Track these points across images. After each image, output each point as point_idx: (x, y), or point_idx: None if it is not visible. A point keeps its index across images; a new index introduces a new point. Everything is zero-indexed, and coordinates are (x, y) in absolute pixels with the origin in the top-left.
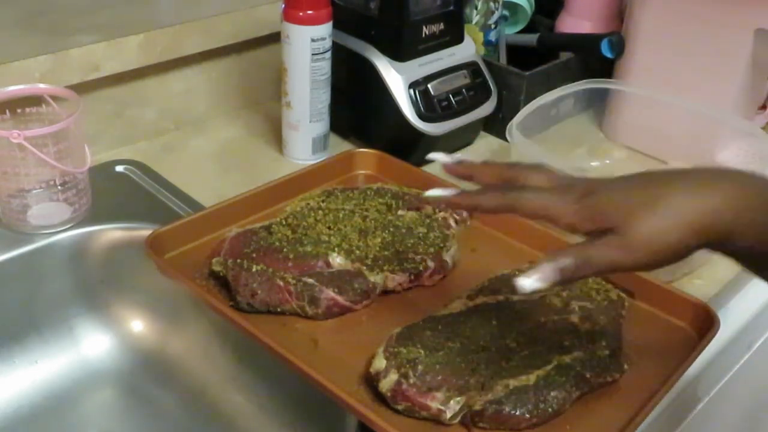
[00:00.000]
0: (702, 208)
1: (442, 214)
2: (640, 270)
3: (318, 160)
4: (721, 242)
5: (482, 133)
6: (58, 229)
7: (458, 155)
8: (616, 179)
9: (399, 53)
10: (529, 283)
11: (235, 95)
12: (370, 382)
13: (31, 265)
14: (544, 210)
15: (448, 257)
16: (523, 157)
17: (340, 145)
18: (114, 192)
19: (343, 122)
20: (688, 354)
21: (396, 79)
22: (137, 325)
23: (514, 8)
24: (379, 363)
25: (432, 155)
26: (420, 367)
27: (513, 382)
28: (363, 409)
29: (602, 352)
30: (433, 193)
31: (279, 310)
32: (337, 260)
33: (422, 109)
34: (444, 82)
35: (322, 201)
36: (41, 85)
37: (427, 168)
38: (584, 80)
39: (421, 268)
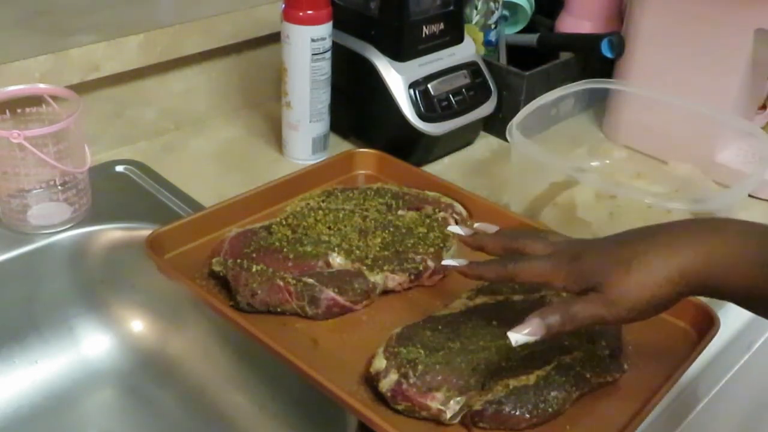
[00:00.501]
0: (676, 263)
1: (442, 214)
2: (622, 323)
3: (318, 160)
4: (707, 291)
5: (482, 133)
6: (58, 229)
7: (476, 225)
8: (599, 241)
9: (399, 53)
10: (519, 338)
11: (235, 95)
12: (370, 382)
13: (31, 265)
14: (539, 277)
15: (448, 257)
16: (523, 157)
17: (340, 145)
18: (114, 192)
19: (343, 122)
20: (688, 354)
21: (396, 79)
22: (137, 325)
23: (514, 8)
24: (379, 363)
25: (451, 228)
26: (420, 367)
27: (513, 382)
28: (363, 409)
29: (602, 352)
30: (448, 262)
31: (279, 310)
32: (337, 260)
33: (422, 109)
34: (444, 82)
35: (322, 201)
36: (41, 85)
37: (427, 168)
38: (584, 80)
39: (421, 268)
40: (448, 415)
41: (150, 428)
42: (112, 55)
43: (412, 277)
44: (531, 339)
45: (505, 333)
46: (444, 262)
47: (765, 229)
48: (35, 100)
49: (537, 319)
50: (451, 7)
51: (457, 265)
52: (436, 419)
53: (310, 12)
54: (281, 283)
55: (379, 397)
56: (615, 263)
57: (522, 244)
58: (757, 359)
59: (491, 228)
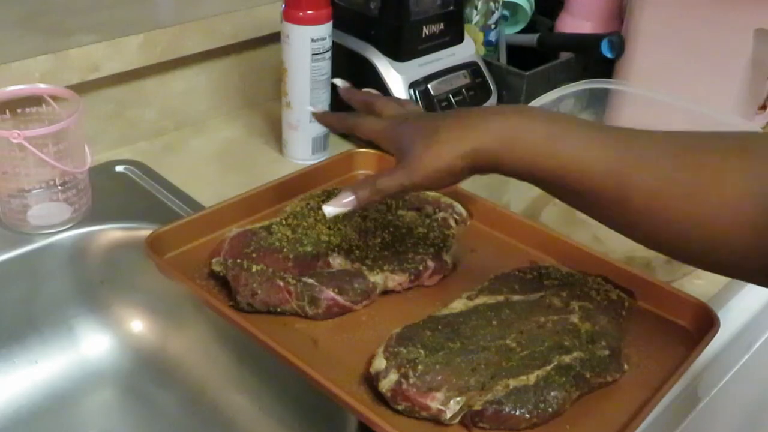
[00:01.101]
0: (471, 139)
1: (442, 214)
2: (421, 189)
3: (318, 160)
4: (491, 167)
5: None
6: (58, 229)
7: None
8: (425, 114)
9: (399, 53)
10: (332, 209)
11: (235, 95)
12: (370, 382)
13: (31, 265)
14: (370, 134)
15: (448, 257)
16: None
17: (340, 145)
18: (114, 192)
19: None
20: (688, 354)
21: (396, 79)
22: (137, 325)
23: (514, 8)
24: (379, 363)
25: (335, 80)
26: (420, 367)
27: (513, 382)
28: (363, 409)
29: (602, 352)
30: (309, 108)
31: (279, 310)
32: (337, 260)
33: (422, 109)
34: (444, 82)
35: (322, 201)
36: (41, 85)
37: None
38: (584, 80)
39: (421, 268)
40: (448, 415)
41: (150, 428)
42: (112, 55)
43: (412, 277)
44: (344, 210)
45: (505, 333)
46: (309, 108)
47: (557, 114)
48: (35, 100)
49: (348, 191)
50: (451, 7)
51: (314, 110)
52: (436, 419)
53: (310, 12)
54: (281, 283)
55: (379, 397)
56: (421, 135)
57: (379, 104)
58: (757, 359)
59: (374, 92)
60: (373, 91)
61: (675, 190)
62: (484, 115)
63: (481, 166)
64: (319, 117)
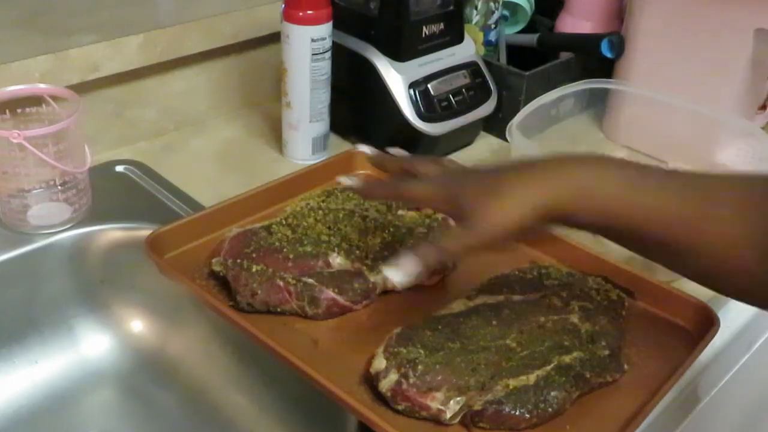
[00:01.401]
0: (540, 192)
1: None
2: (489, 249)
3: (318, 160)
4: (561, 220)
5: (482, 133)
6: (58, 229)
7: (389, 149)
8: (480, 171)
9: (399, 53)
10: (399, 276)
11: (235, 95)
12: (370, 382)
13: (31, 265)
14: (423, 198)
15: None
16: (523, 157)
17: (340, 145)
18: (114, 192)
19: (343, 122)
20: (688, 354)
21: (396, 79)
22: (137, 325)
23: (514, 8)
24: (379, 363)
25: (360, 147)
26: (420, 367)
27: (513, 382)
28: (363, 409)
29: (602, 352)
30: (343, 180)
31: (279, 310)
32: (337, 260)
33: (422, 109)
34: (444, 82)
35: (322, 201)
36: (41, 85)
37: None
38: (584, 80)
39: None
40: (448, 415)
41: (150, 428)
42: (112, 55)
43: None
44: (410, 276)
45: (505, 333)
46: (340, 178)
47: (624, 161)
48: (35, 100)
49: (411, 256)
50: (451, 7)
51: (351, 182)
52: (436, 419)
53: (310, 12)
54: (281, 283)
55: (379, 397)
56: (485, 192)
57: (417, 166)
58: (757, 359)
59: (402, 152)
60: (402, 152)
61: (755, 241)
62: (551, 166)
63: (551, 219)
64: (358, 188)
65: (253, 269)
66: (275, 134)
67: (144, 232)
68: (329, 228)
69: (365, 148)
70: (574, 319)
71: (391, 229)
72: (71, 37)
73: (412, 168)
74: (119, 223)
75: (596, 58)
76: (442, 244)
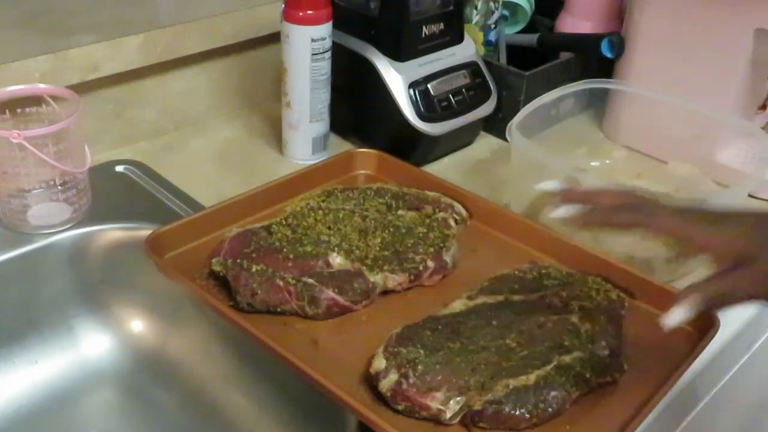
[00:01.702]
0: None
1: (441, 214)
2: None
3: (318, 160)
4: None
5: (482, 133)
6: (58, 229)
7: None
8: (734, 211)
9: (399, 53)
10: (674, 320)
11: (235, 95)
12: (370, 382)
13: (31, 265)
14: (679, 231)
15: (448, 257)
16: (523, 157)
17: (340, 145)
18: (114, 192)
19: (343, 122)
20: (688, 354)
21: (396, 79)
22: (137, 325)
23: (514, 8)
24: (379, 363)
25: (541, 185)
26: (420, 367)
27: (513, 382)
28: (363, 409)
29: (602, 352)
30: (557, 213)
31: (279, 310)
32: (337, 260)
33: (422, 109)
34: (444, 82)
35: (322, 201)
36: (41, 85)
37: (427, 168)
38: (584, 80)
39: (421, 268)
40: (448, 415)
41: (150, 428)
42: (112, 55)
43: (412, 277)
44: (688, 318)
45: (505, 333)
46: (542, 185)
47: None
48: (35, 100)
49: (690, 299)
50: (451, 7)
51: (574, 211)
52: (436, 419)
53: (310, 12)
54: (281, 283)
55: (379, 397)
56: None
57: (641, 197)
58: (757, 359)
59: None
60: (594, 187)
61: None
62: None
63: None
64: (589, 217)
65: (253, 269)
66: (275, 134)
67: (144, 232)
68: (329, 228)
69: (548, 185)
70: (574, 319)
71: (391, 229)
72: (71, 37)
73: (634, 199)
74: (119, 223)
75: (596, 58)
76: (726, 290)
